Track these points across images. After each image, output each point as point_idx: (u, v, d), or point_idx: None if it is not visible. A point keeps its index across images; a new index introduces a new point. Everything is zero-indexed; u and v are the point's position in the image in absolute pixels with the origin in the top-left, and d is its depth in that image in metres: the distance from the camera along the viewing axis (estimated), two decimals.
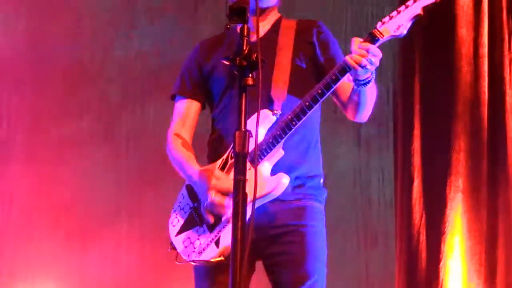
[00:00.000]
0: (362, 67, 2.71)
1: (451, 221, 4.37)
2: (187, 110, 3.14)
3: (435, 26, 4.55)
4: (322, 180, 3.05)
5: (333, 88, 2.81)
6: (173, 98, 3.19)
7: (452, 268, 4.32)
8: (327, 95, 2.81)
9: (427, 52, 4.63)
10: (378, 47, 2.74)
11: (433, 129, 4.57)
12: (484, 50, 4.51)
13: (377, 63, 2.75)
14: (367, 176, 5.00)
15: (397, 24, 2.75)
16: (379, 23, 2.76)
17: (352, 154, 5.00)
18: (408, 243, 4.49)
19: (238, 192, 2.21)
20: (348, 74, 2.78)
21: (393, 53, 4.76)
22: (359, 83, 2.82)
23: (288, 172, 2.85)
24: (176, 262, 2.96)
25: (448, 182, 4.43)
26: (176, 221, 2.99)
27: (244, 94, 2.30)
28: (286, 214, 2.91)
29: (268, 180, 2.82)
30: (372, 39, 2.74)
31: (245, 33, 2.36)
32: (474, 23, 4.55)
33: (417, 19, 2.76)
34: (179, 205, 3.01)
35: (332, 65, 2.92)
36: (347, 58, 2.73)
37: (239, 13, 2.35)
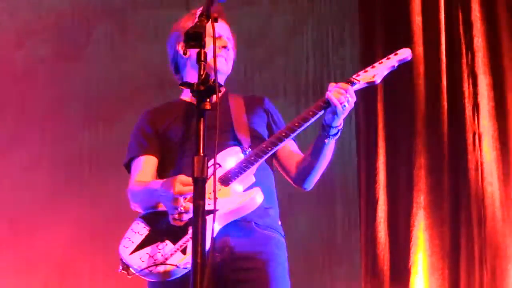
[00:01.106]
0: (341, 104, 2.81)
1: (415, 238, 4.40)
2: (145, 164, 3.12)
3: (393, 45, 4.60)
4: (280, 223, 3.07)
5: (312, 121, 2.89)
6: (129, 165, 3.16)
7: (417, 285, 4.35)
8: (305, 126, 2.89)
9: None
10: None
11: (395, 146, 4.61)
12: (443, 66, 4.57)
13: (352, 106, 2.87)
14: (331, 194, 5.00)
15: (373, 73, 2.92)
16: (354, 74, 2.93)
17: None
18: (373, 261, 4.51)
19: (198, 217, 2.21)
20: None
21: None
22: (330, 132, 2.90)
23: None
24: (128, 276, 2.87)
25: (411, 199, 4.46)
26: (129, 243, 2.90)
27: (202, 119, 2.31)
28: (250, 241, 2.91)
29: (239, 195, 2.86)
30: (349, 82, 2.89)
31: (202, 58, 2.37)
32: (431, 40, 4.61)
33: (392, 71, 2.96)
34: (132, 231, 2.95)
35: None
36: (329, 93, 2.84)
37: (195, 39, 2.36)
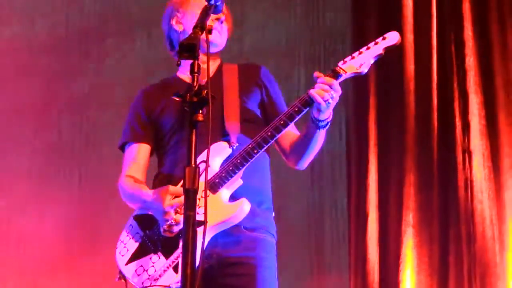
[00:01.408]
0: (325, 101, 2.79)
1: (404, 256, 4.40)
2: (138, 153, 3.15)
3: (385, 63, 4.62)
4: (273, 214, 3.08)
5: (296, 119, 2.88)
6: (123, 147, 3.20)
7: None
8: (290, 125, 2.89)
9: (380, 87, 4.68)
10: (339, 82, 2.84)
11: (386, 164, 4.61)
12: (434, 84, 4.58)
13: (337, 100, 2.84)
14: (320, 210, 5.00)
15: (360, 62, 2.87)
16: (341, 62, 2.88)
17: (305, 188, 5.01)
18: (363, 278, 4.50)
19: (188, 228, 2.20)
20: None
21: (345, 86, 4.81)
22: (319, 124, 2.90)
23: (245, 197, 2.89)
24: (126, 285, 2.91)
25: (401, 216, 4.46)
26: (125, 251, 2.95)
27: (194, 130, 2.31)
28: (238, 246, 2.92)
29: (227, 207, 2.86)
30: (335, 75, 2.85)
31: (195, 70, 2.38)
32: (422, 58, 4.62)
33: (378, 58, 2.90)
34: (127, 235, 2.98)
35: (274, 107, 3.10)
36: (312, 91, 2.82)
37: (189, 50, 2.37)
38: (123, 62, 5.23)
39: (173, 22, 3.21)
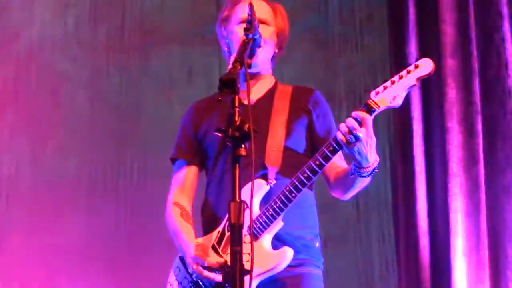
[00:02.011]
0: (349, 139, 2.66)
1: (455, 284, 4.32)
2: (185, 175, 3.16)
3: (427, 88, 4.60)
4: (318, 244, 3.03)
5: (332, 159, 2.77)
6: (172, 161, 3.22)
7: None
8: (325, 166, 2.78)
9: (424, 113, 4.65)
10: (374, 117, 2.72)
11: (433, 191, 4.55)
12: (477, 108, 4.52)
13: (369, 143, 2.69)
14: (367, 238, 4.96)
15: (393, 94, 2.73)
16: (373, 93, 2.75)
17: (351, 216, 4.97)
18: None
19: (236, 264, 2.20)
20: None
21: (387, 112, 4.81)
22: (359, 172, 2.78)
23: (286, 236, 2.86)
24: None
25: (450, 244, 4.39)
26: None
27: (237, 165, 2.31)
28: (283, 283, 2.88)
29: (271, 256, 2.82)
30: (368, 110, 2.71)
31: (236, 104, 2.39)
32: (463, 82, 4.57)
33: (412, 90, 2.78)
34: (176, 279, 2.98)
35: (326, 135, 2.99)
36: (337, 133, 2.71)
37: (229, 85, 2.38)
38: None
39: (220, 39, 3.19)
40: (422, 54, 4.58)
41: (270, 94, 3.11)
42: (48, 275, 4.87)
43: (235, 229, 2.24)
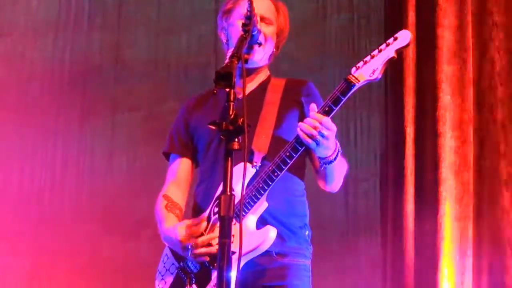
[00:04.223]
0: (314, 139, 2.72)
1: (439, 284, 4.35)
2: (178, 169, 3.20)
3: (421, 93, 4.62)
4: (307, 233, 3.05)
5: (294, 159, 2.83)
6: (166, 156, 3.25)
7: None
8: (291, 162, 2.83)
9: (416, 117, 4.66)
10: (354, 92, 2.78)
11: (422, 194, 4.57)
12: (470, 115, 4.54)
13: (330, 137, 2.75)
14: (355, 234, 4.99)
15: (372, 68, 2.79)
16: (354, 69, 2.81)
17: (340, 214, 4.99)
18: None
19: (223, 255, 2.22)
20: None
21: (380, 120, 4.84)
22: (323, 162, 2.85)
23: (273, 221, 2.88)
24: None
25: (437, 247, 4.41)
26: (163, 283, 2.98)
27: (230, 158, 2.33)
28: (270, 274, 2.91)
29: (254, 234, 2.84)
30: (348, 85, 2.78)
31: (231, 98, 2.40)
32: (458, 89, 4.59)
33: (390, 62, 2.81)
34: (164, 266, 3.01)
35: None
36: (298, 130, 2.76)
37: (225, 78, 2.39)
38: None
39: (220, 30, 3.21)
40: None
41: (263, 87, 3.14)
42: None
43: (225, 221, 2.26)
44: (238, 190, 2.79)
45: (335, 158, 2.84)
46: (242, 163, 2.82)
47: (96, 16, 5.61)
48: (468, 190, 4.46)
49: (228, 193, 2.28)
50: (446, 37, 4.54)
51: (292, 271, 2.94)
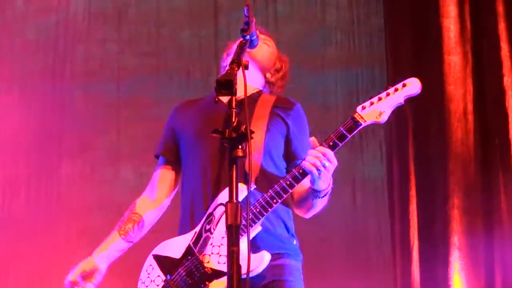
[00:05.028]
0: (317, 169, 2.72)
1: (452, 280, 4.35)
2: (161, 172, 3.18)
3: (425, 84, 4.61)
4: (296, 242, 3.04)
5: (292, 190, 2.82)
6: (156, 158, 3.24)
7: None
8: (288, 194, 2.83)
9: (419, 110, 4.66)
10: (360, 130, 2.79)
11: (429, 188, 4.57)
12: (471, 106, 4.55)
13: (331, 170, 2.76)
14: (363, 235, 4.99)
15: (379, 110, 2.80)
16: (360, 107, 2.81)
17: (347, 215, 5.00)
18: None
19: (232, 264, 2.21)
20: None
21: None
22: (315, 195, 2.85)
23: (263, 234, 2.86)
24: None
25: (447, 240, 4.41)
26: None
27: (234, 166, 2.32)
28: (267, 272, 2.85)
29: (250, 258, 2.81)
30: (355, 124, 2.78)
31: (233, 105, 2.40)
32: (462, 79, 4.59)
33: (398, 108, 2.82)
34: (148, 276, 2.96)
35: (292, 149, 3.04)
36: (304, 161, 2.75)
37: (226, 86, 2.39)
38: None
39: (221, 69, 3.25)
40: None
41: (253, 100, 3.11)
42: None
43: (232, 229, 2.25)
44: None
45: (326, 193, 2.86)
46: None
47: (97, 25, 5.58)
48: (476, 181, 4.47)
49: (235, 201, 2.27)
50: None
51: (287, 269, 2.93)
